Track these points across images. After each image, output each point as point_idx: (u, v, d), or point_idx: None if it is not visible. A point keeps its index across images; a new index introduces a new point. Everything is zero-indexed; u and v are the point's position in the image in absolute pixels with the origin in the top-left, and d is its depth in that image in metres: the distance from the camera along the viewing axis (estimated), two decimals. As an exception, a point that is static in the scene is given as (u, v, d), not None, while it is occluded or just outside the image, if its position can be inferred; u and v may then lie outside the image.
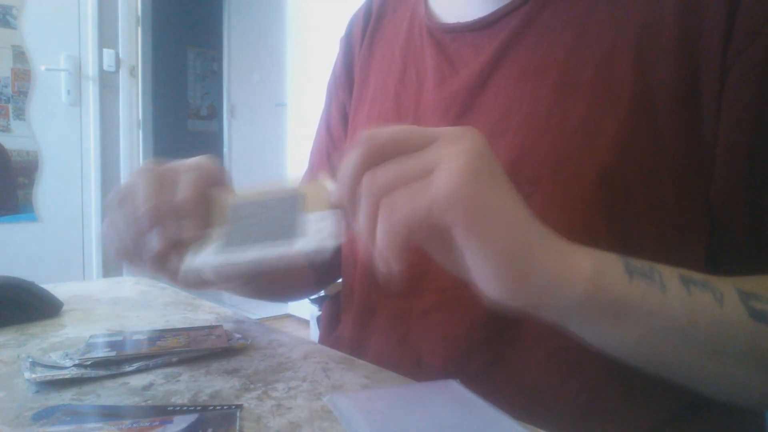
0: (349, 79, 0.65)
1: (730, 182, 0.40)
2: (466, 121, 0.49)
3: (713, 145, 0.40)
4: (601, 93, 0.43)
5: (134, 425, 0.32)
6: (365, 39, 0.63)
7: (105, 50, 2.69)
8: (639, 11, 0.43)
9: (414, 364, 0.49)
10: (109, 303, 0.63)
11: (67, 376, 0.39)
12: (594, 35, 0.44)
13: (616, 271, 0.32)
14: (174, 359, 0.43)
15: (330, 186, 0.39)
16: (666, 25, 0.41)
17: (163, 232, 0.39)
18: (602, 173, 0.41)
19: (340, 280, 0.65)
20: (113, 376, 0.40)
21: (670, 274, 0.33)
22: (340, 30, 0.71)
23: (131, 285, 0.73)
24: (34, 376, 0.39)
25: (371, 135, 0.31)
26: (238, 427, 0.33)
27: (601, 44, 0.43)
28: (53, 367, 0.41)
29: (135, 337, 0.48)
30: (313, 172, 0.69)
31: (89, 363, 0.41)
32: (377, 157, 0.31)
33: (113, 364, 0.42)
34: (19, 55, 2.49)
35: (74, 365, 0.41)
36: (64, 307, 0.59)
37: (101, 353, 0.43)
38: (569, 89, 0.44)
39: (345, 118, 0.65)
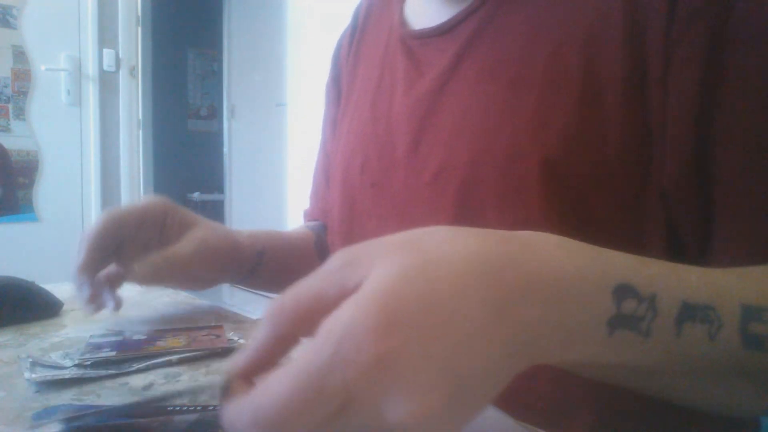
0: (338, 94, 0.67)
1: (681, 170, 0.40)
2: (429, 122, 0.50)
3: (662, 134, 0.40)
4: (550, 87, 0.43)
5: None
6: (351, 53, 0.65)
7: (105, 50, 2.69)
8: (588, 6, 0.44)
9: None
10: (109, 303, 0.63)
11: (66, 376, 0.39)
12: (545, 32, 0.45)
13: (590, 335, 0.27)
14: (174, 359, 0.43)
15: None
16: (613, 18, 0.42)
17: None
18: (550, 165, 0.42)
19: None
20: (113, 376, 0.40)
21: (667, 308, 0.28)
22: (340, 30, 0.71)
23: (131, 285, 0.73)
24: (34, 376, 0.39)
25: (272, 311, 0.24)
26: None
27: (551, 41, 0.44)
28: (53, 367, 0.41)
29: (135, 337, 0.48)
30: (317, 190, 0.72)
31: (89, 363, 0.41)
32: (283, 345, 0.25)
33: (113, 364, 0.42)
34: (19, 55, 2.49)
35: (74, 365, 0.41)
36: (64, 307, 0.59)
37: (101, 353, 0.43)
38: (521, 86, 0.45)
39: None
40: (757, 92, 0.37)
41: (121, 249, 0.51)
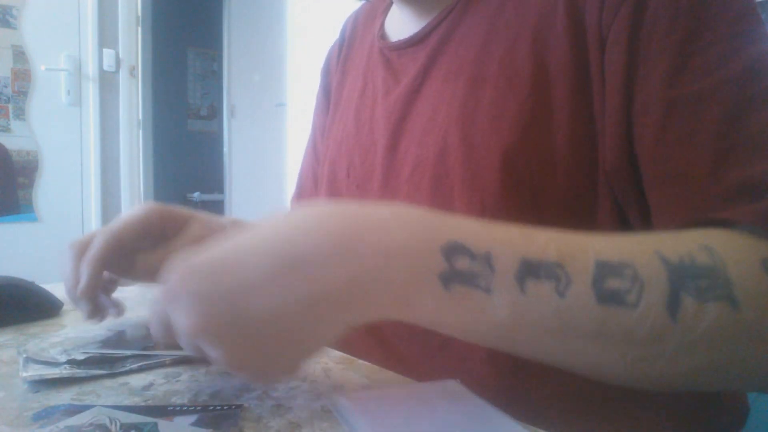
0: (327, 104, 0.71)
1: (615, 152, 0.41)
2: (404, 124, 0.54)
3: (602, 119, 0.42)
4: (504, 82, 0.46)
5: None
6: (339, 65, 0.69)
7: (105, 50, 2.69)
8: (536, 4, 0.46)
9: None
10: (109, 303, 0.63)
11: (58, 376, 0.39)
12: (501, 32, 0.48)
13: (424, 289, 0.30)
14: (174, 358, 0.43)
15: None
16: (558, 11, 0.44)
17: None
18: (505, 154, 0.44)
19: None
20: (113, 376, 0.40)
21: (505, 266, 0.30)
22: (339, 30, 0.71)
23: (130, 285, 0.73)
24: (25, 374, 0.39)
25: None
26: (238, 427, 0.33)
27: (506, 39, 0.47)
28: (47, 364, 0.41)
29: (135, 336, 0.48)
30: (301, 192, 0.75)
31: (83, 359, 0.41)
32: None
33: (110, 362, 0.42)
34: (19, 55, 2.49)
35: (67, 361, 0.41)
36: (64, 307, 0.59)
37: (99, 350, 0.43)
38: (479, 83, 0.48)
39: None
40: (670, 68, 0.38)
41: (120, 260, 0.51)
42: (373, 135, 0.57)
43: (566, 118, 0.43)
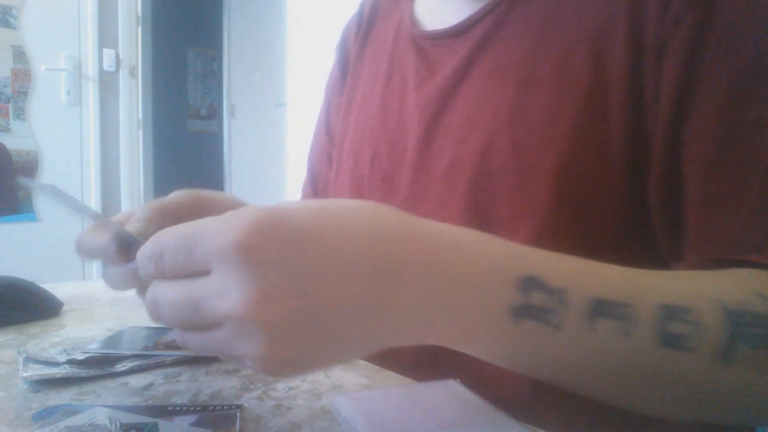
0: (344, 81, 0.68)
1: (659, 171, 0.41)
2: (440, 119, 0.52)
3: (652, 134, 0.42)
4: (559, 87, 0.45)
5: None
6: (357, 44, 0.66)
7: (105, 50, 2.69)
8: (595, 8, 0.45)
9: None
10: (109, 303, 0.63)
11: (58, 376, 0.39)
12: (554, 34, 0.47)
13: (492, 322, 0.28)
14: (174, 358, 0.43)
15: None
16: (618, 20, 0.43)
17: None
18: (559, 161, 0.44)
19: None
20: (113, 376, 0.40)
21: (578, 302, 0.29)
22: (339, 30, 0.71)
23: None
24: (25, 375, 0.39)
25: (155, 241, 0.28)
26: (238, 427, 0.33)
27: (560, 42, 0.46)
28: (47, 364, 0.41)
29: (135, 336, 0.48)
30: (316, 178, 0.71)
31: (83, 359, 0.41)
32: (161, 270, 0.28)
33: (110, 362, 0.42)
34: (19, 55, 2.49)
35: (67, 361, 0.41)
36: (64, 307, 0.59)
37: (99, 351, 0.43)
38: (531, 86, 0.46)
39: None
40: (731, 92, 0.38)
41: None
42: (404, 128, 0.55)
43: (621, 127, 0.42)
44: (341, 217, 0.27)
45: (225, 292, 0.25)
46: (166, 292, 0.27)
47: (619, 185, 0.43)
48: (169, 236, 0.27)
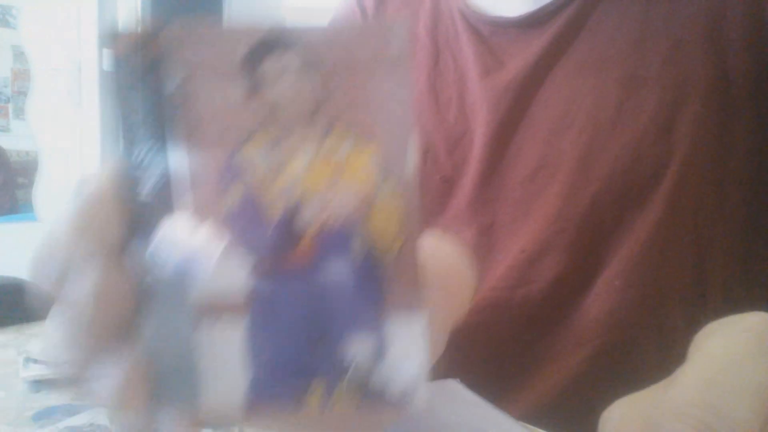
0: None
1: None
2: (519, 116, 0.47)
3: None
4: (672, 86, 0.42)
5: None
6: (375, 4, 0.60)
7: (105, 50, 2.69)
8: (704, 2, 0.42)
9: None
10: (109, 303, 0.63)
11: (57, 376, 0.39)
12: (659, 27, 0.43)
13: None
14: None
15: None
16: (735, 14, 0.40)
17: None
18: (677, 167, 0.40)
19: None
20: (113, 376, 0.40)
21: None
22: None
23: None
24: (24, 375, 0.39)
25: None
26: (238, 428, 0.32)
27: (667, 36, 0.42)
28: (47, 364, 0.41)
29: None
30: None
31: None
32: None
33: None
34: (19, 55, 2.49)
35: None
36: (64, 307, 0.58)
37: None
38: (637, 83, 0.43)
39: None
40: None
41: None
42: (467, 122, 0.49)
43: (746, 134, 0.40)
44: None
45: None
46: None
47: (738, 196, 0.40)
48: None
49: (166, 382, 0.19)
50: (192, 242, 0.17)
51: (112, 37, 0.21)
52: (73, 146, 2.67)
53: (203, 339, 0.18)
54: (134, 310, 0.18)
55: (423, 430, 0.32)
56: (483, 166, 0.47)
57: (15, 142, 2.50)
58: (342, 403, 0.18)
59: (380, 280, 0.17)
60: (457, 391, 0.38)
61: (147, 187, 0.18)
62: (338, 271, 0.17)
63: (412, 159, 0.18)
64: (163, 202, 0.18)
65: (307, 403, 0.18)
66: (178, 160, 0.18)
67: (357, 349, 0.17)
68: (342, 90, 0.18)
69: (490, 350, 0.46)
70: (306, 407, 0.18)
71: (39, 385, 0.38)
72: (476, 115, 0.48)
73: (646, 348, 0.41)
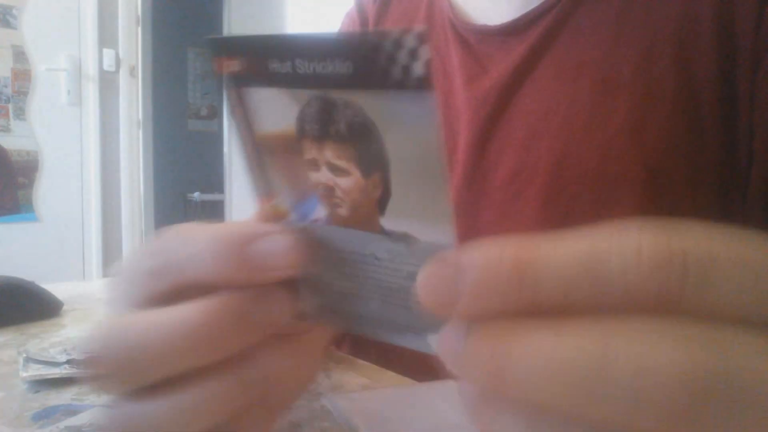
0: None
1: (759, 188, 0.39)
2: (498, 121, 0.47)
3: (748, 141, 0.39)
4: (643, 91, 0.42)
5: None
6: (375, 8, 0.61)
7: (105, 50, 2.69)
8: (676, 7, 0.42)
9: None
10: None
11: (58, 376, 0.39)
12: (631, 33, 0.44)
13: None
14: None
15: None
16: (704, 19, 0.41)
17: None
18: (650, 171, 0.41)
19: None
20: (113, 376, 0.40)
21: None
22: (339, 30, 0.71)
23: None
24: (25, 374, 0.39)
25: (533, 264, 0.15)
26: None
27: (639, 42, 0.43)
28: (47, 364, 0.41)
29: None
30: None
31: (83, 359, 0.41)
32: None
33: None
34: (19, 55, 2.49)
35: (67, 361, 0.41)
36: (64, 307, 0.59)
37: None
38: (610, 88, 0.43)
39: None
40: None
41: None
42: (452, 126, 0.50)
43: (715, 138, 0.40)
44: None
45: None
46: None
47: (711, 197, 0.41)
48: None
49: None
50: None
51: None
52: (73, 146, 2.68)
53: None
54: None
55: (423, 430, 0.32)
56: (465, 170, 0.48)
57: (15, 142, 2.50)
58: None
59: None
60: (457, 391, 0.38)
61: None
62: None
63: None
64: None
65: None
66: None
67: None
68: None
69: None
70: None
71: (39, 385, 0.38)
72: (460, 120, 0.50)
73: None
